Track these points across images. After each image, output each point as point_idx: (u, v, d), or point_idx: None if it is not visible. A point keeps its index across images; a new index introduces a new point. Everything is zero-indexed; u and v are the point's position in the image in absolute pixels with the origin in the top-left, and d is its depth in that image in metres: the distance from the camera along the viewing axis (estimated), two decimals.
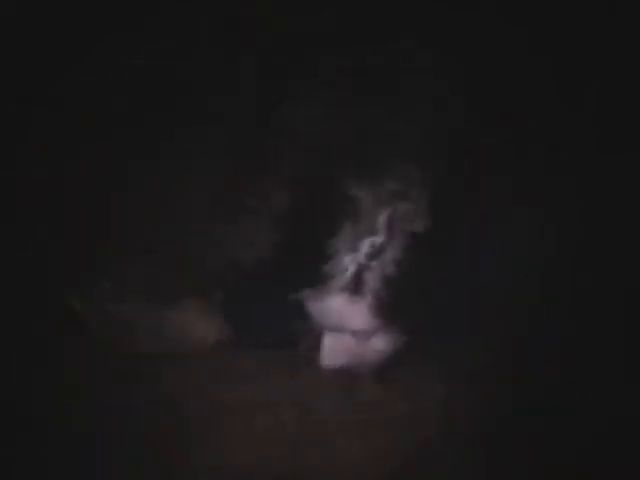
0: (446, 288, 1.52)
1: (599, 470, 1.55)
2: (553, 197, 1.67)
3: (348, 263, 1.41)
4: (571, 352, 1.60)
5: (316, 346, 1.55)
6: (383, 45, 1.71)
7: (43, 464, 1.56)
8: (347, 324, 1.47)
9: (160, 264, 1.63)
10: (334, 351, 1.52)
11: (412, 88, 1.70)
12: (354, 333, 1.49)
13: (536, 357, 1.60)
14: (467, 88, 1.70)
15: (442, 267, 1.50)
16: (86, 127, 1.71)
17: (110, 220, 1.67)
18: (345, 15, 1.72)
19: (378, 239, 1.40)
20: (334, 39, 1.71)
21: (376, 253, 1.40)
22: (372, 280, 1.41)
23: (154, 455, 1.56)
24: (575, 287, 1.62)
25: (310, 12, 1.73)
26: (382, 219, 1.40)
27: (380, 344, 1.49)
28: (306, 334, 1.56)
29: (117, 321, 1.63)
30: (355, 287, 1.41)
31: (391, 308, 1.43)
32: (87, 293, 1.63)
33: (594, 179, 1.67)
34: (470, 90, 1.70)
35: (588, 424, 1.56)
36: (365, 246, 1.40)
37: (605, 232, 1.64)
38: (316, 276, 1.43)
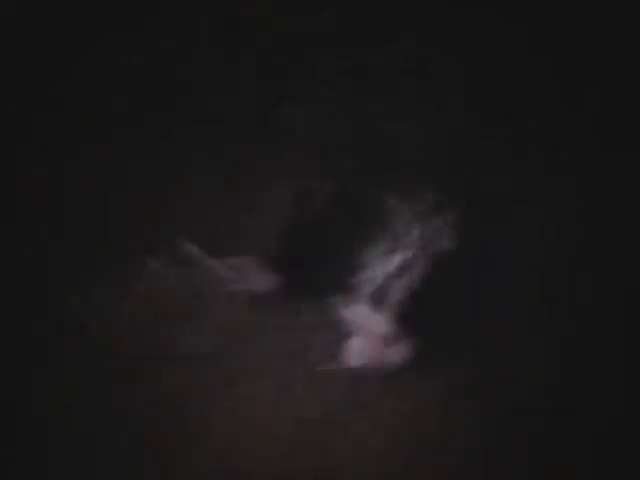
0: (447, 289, 1.52)
1: (599, 470, 1.55)
2: (553, 197, 1.67)
3: (369, 274, 1.38)
4: (571, 352, 1.60)
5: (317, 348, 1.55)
6: (383, 45, 1.71)
7: (43, 464, 1.56)
8: (357, 330, 1.46)
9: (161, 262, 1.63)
10: (335, 355, 1.51)
11: (412, 88, 1.70)
12: (361, 339, 1.48)
13: (536, 357, 1.59)
14: (467, 88, 1.70)
15: (448, 270, 1.49)
16: (86, 127, 1.71)
17: (110, 220, 1.67)
18: (345, 15, 1.72)
19: (406, 253, 1.37)
20: (334, 39, 1.71)
21: (403, 268, 1.38)
22: (394, 293, 1.39)
23: (154, 455, 1.56)
24: (575, 287, 1.62)
25: (310, 12, 1.73)
26: (413, 233, 1.37)
27: (389, 351, 1.49)
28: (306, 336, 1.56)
29: (117, 321, 1.63)
30: (376, 298, 1.39)
31: (407, 320, 1.42)
32: (87, 293, 1.62)
33: (594, 179, 1.67)
34: (470, 90, 1.70)
35: (588, 424, 1.56)
36: (391, 260, 1.37)
37: (605, 232, 1.64)
38: (323, 282, 1.42)
